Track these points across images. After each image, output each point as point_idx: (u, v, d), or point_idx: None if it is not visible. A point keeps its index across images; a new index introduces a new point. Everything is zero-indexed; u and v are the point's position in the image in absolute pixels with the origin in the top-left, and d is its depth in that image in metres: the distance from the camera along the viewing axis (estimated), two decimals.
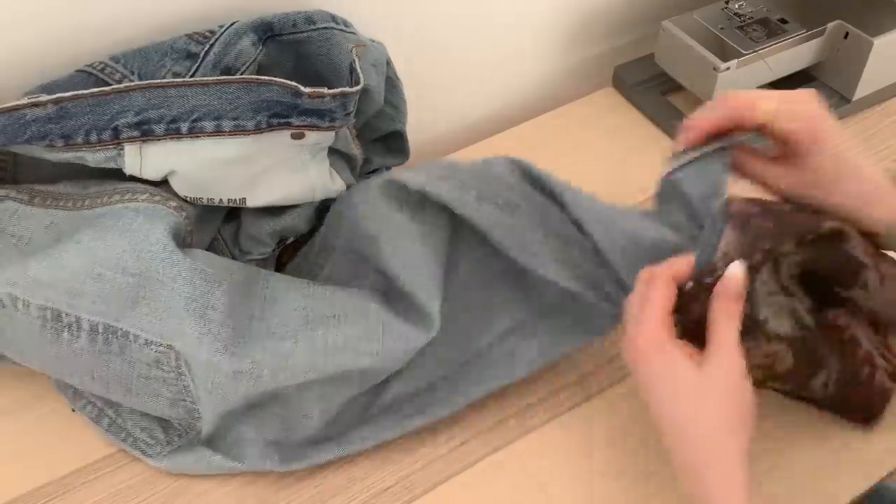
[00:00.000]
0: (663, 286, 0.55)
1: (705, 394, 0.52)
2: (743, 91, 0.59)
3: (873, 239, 0.60)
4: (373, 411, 0.64)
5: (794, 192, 0.59)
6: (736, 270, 0.54)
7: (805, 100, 0.58)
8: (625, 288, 0.59)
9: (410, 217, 0.63)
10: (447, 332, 0.64)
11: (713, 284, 0.54)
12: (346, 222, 0.67)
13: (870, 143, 0.87)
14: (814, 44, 0.86)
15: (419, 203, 0.63)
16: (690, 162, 0.59)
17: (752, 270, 0.55)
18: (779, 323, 0.57)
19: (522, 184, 0.63)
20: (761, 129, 0.58)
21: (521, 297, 0.65)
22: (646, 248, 0.59)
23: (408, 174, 0.62)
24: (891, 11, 0.86)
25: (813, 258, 0.59)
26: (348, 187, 0.70)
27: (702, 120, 0.59)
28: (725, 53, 0.83)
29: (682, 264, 0.56)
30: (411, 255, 0.62)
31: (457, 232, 0.65)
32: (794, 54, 0.86)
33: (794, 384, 0.61)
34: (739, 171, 0.61)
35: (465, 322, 0.65)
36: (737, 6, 0.87)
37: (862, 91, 0.88)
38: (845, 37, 0.86)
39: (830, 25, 0.85)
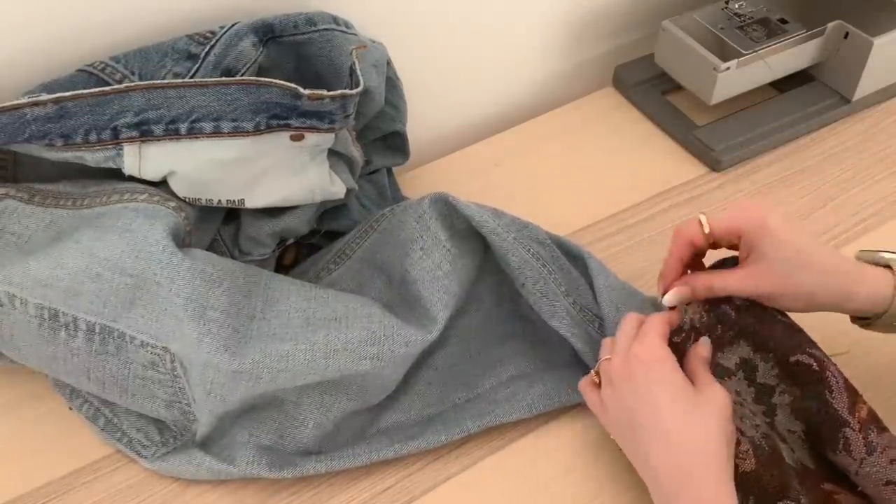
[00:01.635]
0: (660, 320, 0.58)
1: (702, 407, 0.54)
2: (682, 223, 0.62)
3: (866, 323, 0.60)
4: (370, 433, 0.64)
5: (769, 295, 0.59)
6: (705, 340, 0.60)
7: (745, 202, 0.61)
8: None
9: (449, 237, 0.65)
10: (456, 373, 0.67)
11: (679, 343, 0.60)
12: (382, 226, 0.69)
13: (870, 143, 0.87)
14: (814, 44, 0.86)
15: (462, 232, 0.66)
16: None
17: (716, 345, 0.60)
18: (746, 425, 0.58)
19: (552, 247, 0.67)
20: (714, 244, 0.61)
21: (529, 350, 0.68)
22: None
23: (461, 200, 0.65)
24: (891, 11, 0.86)
25: (798, 397, 0.59)
26: (348, 190, 0.70)
27: (668, 268, 0.62)
28: (725, 53, 0.83)
29: (674, 316, 0.60)
30: (437, 267, 0.64)
31: (482, 274, 0.68)
32: (794, 54, 0.86)
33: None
34: (713, 293, 0.61)
35: (474, 368, 0.68)
36: (737, 6, 0.87)
37: (862, 91, 0.88)
38: (845, 37, 0.86)
39: (830, 25, 0.85)
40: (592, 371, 0.60)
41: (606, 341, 0.60)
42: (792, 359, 0.59)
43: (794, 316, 0.61)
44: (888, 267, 0.58)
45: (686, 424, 0.53)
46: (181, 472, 0.62)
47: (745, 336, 0.60)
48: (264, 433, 0.62)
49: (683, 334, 0.60)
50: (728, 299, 0.60)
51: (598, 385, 0.60)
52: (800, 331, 0.60)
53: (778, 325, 0.60)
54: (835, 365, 0.58)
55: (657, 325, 0.58)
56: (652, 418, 0.54)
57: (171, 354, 0.59)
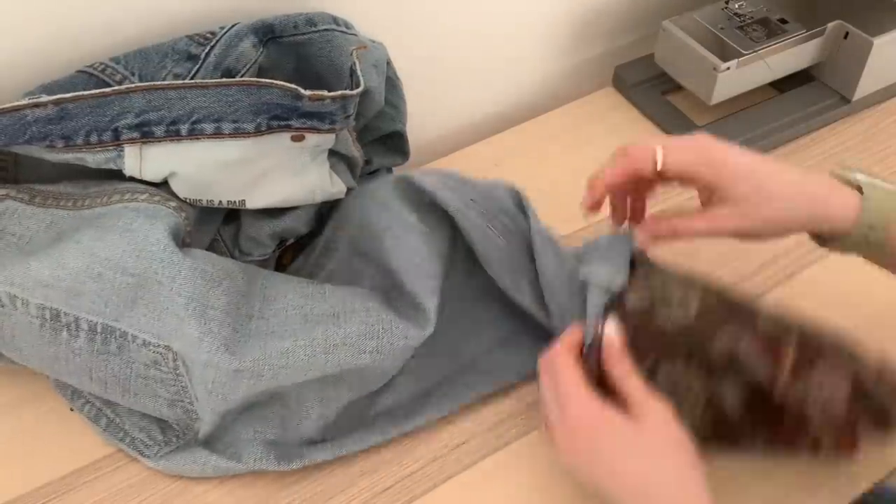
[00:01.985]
0: (566, 362, 0.57)
1: (656, 448, 0.53)
2: (634, 144, 0.59)
3: (822, 242, 0.59)
4: (369, 415, 0.65)
5: (736, 234, 0.58)
6: (610, 333, 0.58)
7: (692, 137, 0.58)
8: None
9: (418, 218, 0.65)
10: (438, 342, 0.66)
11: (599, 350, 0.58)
12: (355, 216, 0.69)
13: (870, 143, 0.87)
14: (814, 44, 0.86)
15: (428, 206, 0.65)
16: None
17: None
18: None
19: (518, 214, 0.66)
20: (661, 177, 0.59)
21: (507, 313, 0.68)
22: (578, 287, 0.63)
23: (422, 177, 0.64)
24: (891, 11, 0.86)
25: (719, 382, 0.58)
26: (349, 190, 0.70)
27: (605, 177, 0.60)
28: (725, 53, 0.83)
29: (573, 337, 0.59)
30: (413, 253, 0.64)
31: (454, 243, 0.67)
32: (794, 54, 0.86)
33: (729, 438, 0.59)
34: (678, 235, 0.60)
35: (455, 334, 0.68)
36: (737, 6, 0.87)
37: (862, 91, 0.88)
38: (845, 37, 0.86)
39: (830, 25, 0.85)
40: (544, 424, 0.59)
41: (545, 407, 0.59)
42: (710, 354, 0.58)
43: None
44: (859, 188, 0.57)
45: (652, 473, 0.52)
46: (185, 471, 0.62)
47: (659, 356, 0.59)
48: (268, 428, 0.62)
49: (593, 343, 0.59)
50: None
51: None
52: (691, 328, 0.58)
53: (671, 334, 0.58)
54: (747, 337, 0.57)
55: (569, 378, 0.56)
56: (617, 483, 0.53)
57: (173, 353, 0.59)
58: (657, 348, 0.58)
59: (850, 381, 0.56)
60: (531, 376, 0.65)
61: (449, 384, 0.66)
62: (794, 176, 0.57)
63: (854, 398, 0.56)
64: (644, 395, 0.55)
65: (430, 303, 0.63)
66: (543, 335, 0.65)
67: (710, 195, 0.58)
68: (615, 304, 0.59)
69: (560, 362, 0.57)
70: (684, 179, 0.58)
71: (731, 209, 0.57)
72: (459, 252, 0.68)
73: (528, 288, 0.65)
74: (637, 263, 0.61)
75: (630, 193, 0.63)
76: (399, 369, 0.66)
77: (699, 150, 0.57)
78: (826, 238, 0.59)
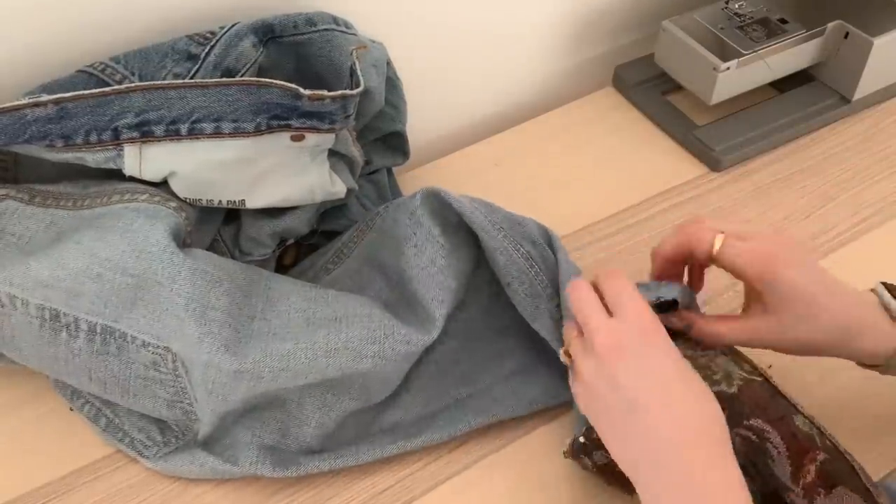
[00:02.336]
0: (628, 283, 0.55)
1: (705, 389, 0.52)
2: (701, 221, 0.58)
3: (876, 368, 0.58)
4: (372, 431, 0.64)
5: (766, 345, 0.58)
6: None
7: (757, 236, 0.57)
8: None
9: (442, 231, 0.64)
10: (454, 369, 0.67)
11: None
12: (377, 225, 0.69)
13: (870, 143, 0.87)
14: (814, 44, 0.86)
15: (455, 226, 0.65)
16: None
17: None
18: None
19: (544, 248, 0.66)
20: (714, 261, 0.58)
21: (528, 344, 0.68)
22: None
23: (453, 195, 0.64)
24: (891, 11, 0.86)
25: (748, 467, 0.57)
26: (349, 190, 0.70)
27: (662, 249, 0.60)
28: (725, 53, 0.83)
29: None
30: (430, 263, 0.64)
31: (477, 268, 0.68)
32: (794, 54, 0.86)
33: None
34: (722, 342, 0.59)
35: (473, 363, 0.68)
36: (737, 6, 0.87)
37: (862, 91, 0.88)
38: (845, 37, 0.86)
39: (830, 25, 0.85)
40: (562, 350, 0.57)
41: (568, 324, 0.57)
42: (732, 433, 0.56)
43: None
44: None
45: (690, 398, 0.50)
46: (184, 472, 0.62)
47: None
48: (267, 433, 0.62)
49: None
50: None
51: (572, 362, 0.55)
52: (731, 398, 0.57)
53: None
54: (775, 429, 0.56)
55: (632, 288, 0.54)
56: (651, 383, 0.50)
57: (172, 354, 0.59)
58: None
59: None
60: (542, 414, 0.65)
61: (457, 409, 0.65)
62: (841, 294, 0.56)
63: None
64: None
65: (439, 311, 0.63)
66: (559, 370, 0.65)
67: (752, 298, 0.58)
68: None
69: (619, 275, 0.55)
70: (735, 275, 0.58)
71: (776, 323, 0.56)
72: (483, 280, 0.68)
73: (547, 317, 0.64)
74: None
75: (689, 262, 0.62)
76: (404, 384, 0.66)
77: (757, 255, 0.56)
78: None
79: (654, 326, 0.52)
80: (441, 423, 0.64)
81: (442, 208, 0.65)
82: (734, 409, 0.57)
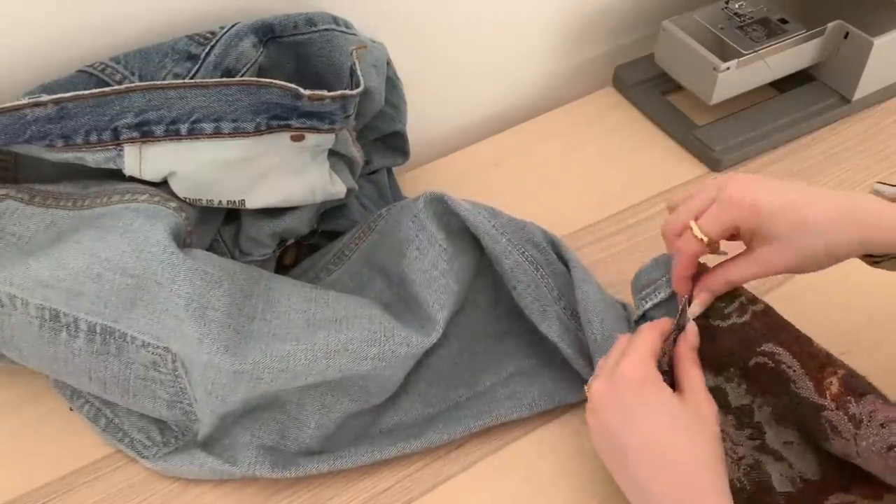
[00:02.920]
0: (650, 334, 0.57)
1: (698, 426, 0.53)
2: (671, 224, 0.59)
3: (874, 262, 0.57)
4: (371, 433, 0.64)
5: (786, 270, 0.57)
6: (692, 327, 0.59)
7: (715, 191, 0.57)
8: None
9: (445, 236, 0.65)
10: (455, 373, 0.67)
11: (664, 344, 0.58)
12: (379, 227, 0.69)
13: (870, 143, 0.87)
14: (814, 44, 0.86)
15: (458, 231, 0.65)
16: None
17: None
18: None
19: (548, 251, 0.66)
20: (714, 244, 0.58)
21: (528, 347, 0.68)
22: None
23: (456, 200, 0.65)
24: (891, 11, 0.86)
25: (773, 402, 0.57)
26: (349, 190, 0.70)
27: (675, 282, 0.60)
28: (725, 53, 0.83)
29: (665, 323, 0.59)
30: (432, 266, 0.64)
31: (479, 274, 0.68)
32: (794, 54, 0.86)
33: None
34: (732, 284, 0.59)
35: (474, 367, 0.68)
36: (737, 6, 0.87)
37: (862, 91, 0.88)
38: (845, 37, 0.86)
39: (830, 25, 0.85)
40: (585, 387, 0.59)
41: (601, 362, 0.59)
42: (750, 364, 0.57)
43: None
44: None
45: (680, 444, 0.52)
46: (183, 473, 0.62)
47: (703, 362, 0.59)
48: (266, 434, 0.62)
49: (672, 337, 0.59)
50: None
51: None
52: (744, 327, 0.58)
53: (725, 336, 0.58)
54: (788, 349, 0.56)
55: (644, 343, 0.56)
56: (642, 441, 0.53)
57: (172, 354, 0.59)
58: (708, 357, 0.59)
59: None
60: (541, 414, 0.65)
61: (457, 411, 0.65)
62: (835, 202, 0.55)
63: None
64: (700, 387, 0.56)
65: (440, 314, 0.63)
66: (562, 372, 0.66)
67: (751, 237, 0.58)
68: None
69: (644, 330, 0.57)
70: (731, 236, 0.58)
71: (774, 248, 0.56)
72: (484, 279, 0.68)
73: (554, 319, 0.64)
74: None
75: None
76: (404, 386, 0.66)
77: (730, 205, 0.56)
78: (879, 258, 0.57)
79: (649, 376, 0.55)
80: (441, 426, 0.64)
81: (445, 213, 0.65)
82: (747, 336, 0.58)
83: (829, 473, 0.57)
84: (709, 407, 0.55)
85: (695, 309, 0.60)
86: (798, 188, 0.56)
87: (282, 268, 0.73)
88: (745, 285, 0.60)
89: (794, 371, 0.56)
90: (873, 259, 0.58)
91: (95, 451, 0.64)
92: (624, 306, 0.68)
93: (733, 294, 0.60)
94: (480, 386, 0.67)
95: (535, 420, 0.66)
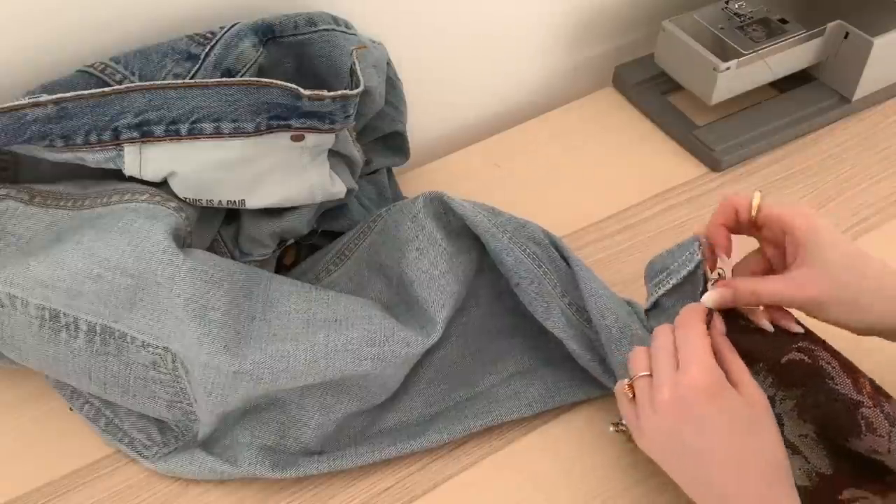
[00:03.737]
0: (698, 329, 0.55)
1: (762, 420, 0.53)
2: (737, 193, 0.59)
3: None
4: (371, 433, 0.64)
5: (818, 302, 0.55)
6: (718, 316, 0.57)
7: (793, 204, 0.58)
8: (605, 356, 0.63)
9: (444, 235, 0.65)
10: (456, 372, 0.67)
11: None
12: (379, 227, 0.69)
13: (870, 143, 0.87)
14: (814, 44, 0.86)
15: (458, 231, 0.65)
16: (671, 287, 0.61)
17: None
18: None
19: (549, 247, 0.66)
20: (755, 228, 0.58)
21: (529, 345, 0.68)
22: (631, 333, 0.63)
23: (456, 199, 0.65)
24: (891, 11, 0.86)
25: (800, 397, 0.57)
26: (349, 190, 0.70)
27: (713, 233, 0.59)
28: (725, 53, 0.83)
29: (701, 313, 0.57)
30: (432, 266, 0.64)
31: (479, 274, 0.68)
32: (794, 54, 0.86)
33: None
34: (760, 300, 0.58)
35: (474, 365, 0.68)
36: (737, 6, 0.87)
37: (862, 91, 0.88)
38: (845, 37, 0.86)
39: (830, 25, 0.85)
40: (625, 382, 0.57)
41: (638, 353, 0.57)
42: (783, 360, 0.57)
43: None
44: None
45: (752, 443, 0.52)
46: (183, 473, 0.62)
47: None
48: (266, 434, 0.62)
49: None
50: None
51: (634, 399, 0.56)
52: (778, 330, 0.58)
53: (757, 333, 0.58)
54: (824, 348, 0.56)
55: (700, 341, 0.54)
56: (717, 446, 0.52)
57: (172, 355, 0.59)
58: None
59: None
60: (542, 413, 0.65)
61: (457, 411, 0.65)
62: (886, 263, 0.55)
63: None
64: (748, 377, 0.55)
65: (440, 314, 0.63)
66: (563, 371, 0.66)
67: (794, 256, 0.56)
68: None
69: (694, 324, 0.55)
70: (776, 232, 0.57)
71: (818, 273, 0.55)
72: (484, 279, 0.68)
73: (559, 314, 0.64)
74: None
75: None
76: (404, 386, 0.66)
77: (800, 210, 0.56)
78: None
79: (717, 383, 0.53)
80: (441, 426, 0.64)
81: (445, 212, 0.65)
82: (779, 338, 0.57)
83: (841, 468, 0.57)
84: (761, 397, 0.54)
85: (710, 298, 0.58)
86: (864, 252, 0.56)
87: (282, 268, 0.73)
88: None
89: (833, 367, 0.56)
90: None
91: (95, 451, 0.64)
92: (629, 303, 0.68)
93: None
94: (481, 385, 0.67)
95: (536, 419, 0.66)
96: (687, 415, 0.53)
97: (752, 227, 0.59)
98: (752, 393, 0.54)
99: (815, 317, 0.57)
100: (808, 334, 0.58)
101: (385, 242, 0.68)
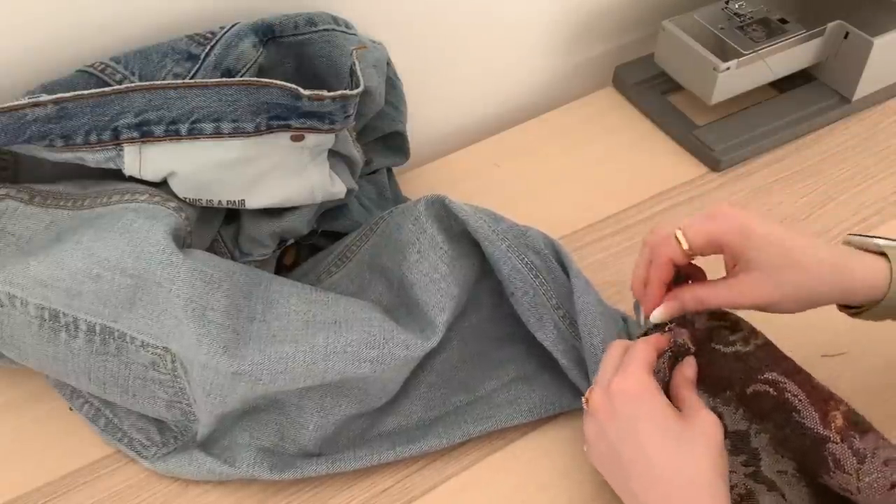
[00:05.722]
0: (645, 348, 0.57)
1: (690, 438, 0.53)
2: (656, 231, 0.59)
3: (855, 313, 0.57)
4: (370, 436, 0.64)
5: (764, 304, 0.57)
6: (689, 359, 0.59)
7: (710, 211, 0.57)
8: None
9: (445, 238, 0.65)
10: (456, 377, 0.67)
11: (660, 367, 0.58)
12: (381, 229, 0.69)
13: (870, 143, 0.87)
14: (814, 44, 0.86)
15: (459, 235, 0.65)
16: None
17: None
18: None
19: (549, 257, 0.66)
20: (691, 254, 0.58)
21: (530, 351, 0.68)
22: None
23: (457, 203, 0.65)
24: (891, 11, 0.86)
25: (772, 430, 0.57)
26: (349, 190, 0.70)
27: (650, 292, 0.60)
28: (725, 53, 0.83)
29: (661, 340, 0.59)
30: (433, 269, 0.64)
31: (480, 278, 0.68)
32: (794, 54, 0.86)
33: None
34: (705, 306, 0.59)
35: (474, 371, 0.68)
36: (737, 6, 0.87)
37: (862, 91, 0.88)
38: (845, 37, 0.86)
39: (830, 25, 0.85)
40: (583, 398, 0.58)
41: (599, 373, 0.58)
42: (748, 391, 0.57)
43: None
44: (881, 254, 0.56)
45: (674, 458, 0.52)
46: (182, 473, 0.62)
47: (699, 383, 0.58)
48: (265, 435, 0.62)
49: (667, 354, 0.59)
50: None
51: None
52: (746, 356, 0.58)
53: (726, 361, 0.58)
54: (792, 379, 0.56)
55: (641, 355, 0.56)
56: (638, 454, 0.53)
57: (171, 355, 0.59)
58: (706, 378, 0.58)
59: None
60: (541, 419, 0.65)
61: (456, 416, 0.65)
62: (820, 250, 0.56)
63: None
64: (698, 402, 0.56)
65: (440, 318, 0.63)
66: (564, 378, 0.65)
67: (734, 264, 0.57)
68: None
69: (640, 344, 0.57)
70: (714, 250, 0.57)
71: (757, 277, 0.55)
72: (485, 284, 0.68)
73: (551, 327, 0.64)
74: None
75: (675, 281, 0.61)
76: (404, 390, 0.66)
77: (722, 218, 0.56)
78: (858, 308, 0.57)
79: (647, 390, 0.54)
80: (440, 430, 0.64)
81: (446, 216, 0.65)
82: (749, 364, 0.57)
83: None
84: (710, 421, 0.54)
85: (658, 314, 0.59)
86: (789, 230, 0.57)
87: (282, 268, 0.73)
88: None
89: (800, 401, 0.55)
90: (851, 310, 0.58)
91: (95, 451, 0.64)
92: (624, 319, 0.68)
93: (735, 325, 0.59)
94: (481, 391, 0.67)
95: (535, 421, 0.65)
96: (613, 416, 0.54)
97: (693, 256, 0.59)
98: (704, 418, 0.54)
99: (764, 311, 0.58)
100: (778, 361, 0.57)
101: (386, 245, 0.68)
